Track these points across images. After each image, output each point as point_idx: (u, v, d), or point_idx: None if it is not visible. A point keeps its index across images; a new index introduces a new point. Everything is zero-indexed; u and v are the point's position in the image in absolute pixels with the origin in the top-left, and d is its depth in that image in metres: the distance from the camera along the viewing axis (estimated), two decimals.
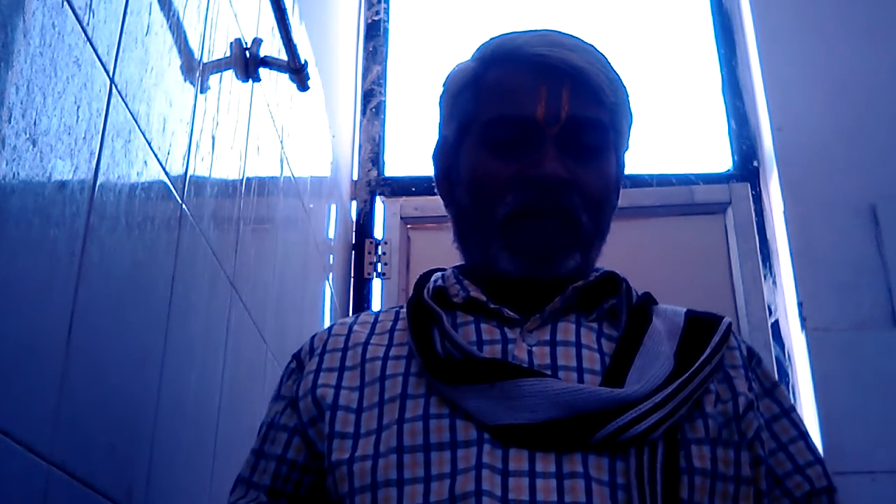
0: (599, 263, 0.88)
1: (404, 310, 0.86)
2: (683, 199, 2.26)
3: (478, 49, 0.89)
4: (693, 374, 0.74)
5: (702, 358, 0.76)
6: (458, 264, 0.90)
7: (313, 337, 0.88)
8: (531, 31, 0.86)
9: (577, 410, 0.71)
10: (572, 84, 0.81)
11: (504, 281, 0.82)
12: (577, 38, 0.86)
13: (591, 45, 0.86)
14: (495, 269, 0.82)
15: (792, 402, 0.84)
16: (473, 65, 0.88)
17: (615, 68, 0.86)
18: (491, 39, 0.88)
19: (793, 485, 0.78)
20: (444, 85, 0.91)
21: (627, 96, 0.87)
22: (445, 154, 0.91)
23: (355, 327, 0.86)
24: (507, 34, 0.87)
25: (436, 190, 0.92)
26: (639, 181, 2.29)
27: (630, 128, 0.89)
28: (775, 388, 0.84)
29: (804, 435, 0.82)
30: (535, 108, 0.81)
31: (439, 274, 0.89)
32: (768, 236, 2.20)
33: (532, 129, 0.81)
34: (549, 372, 0.75)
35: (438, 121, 0.92)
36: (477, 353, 0.76)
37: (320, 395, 0.79)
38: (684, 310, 0.84)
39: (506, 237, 0.81)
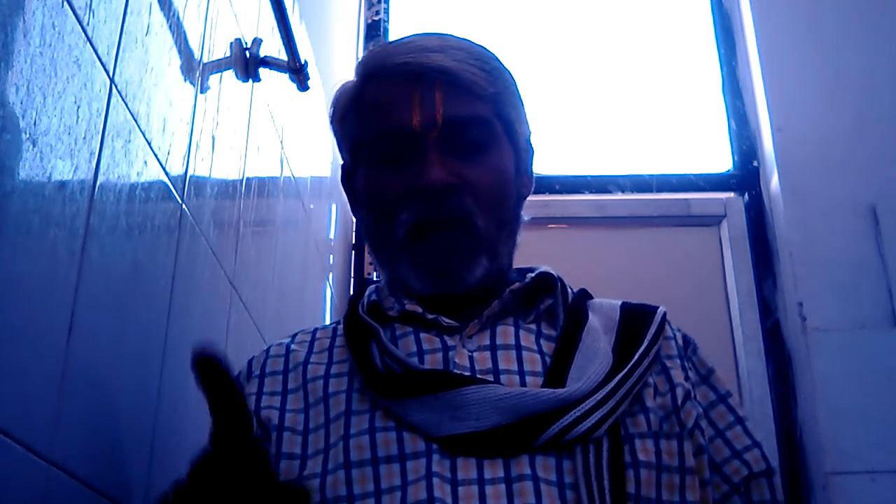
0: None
1: (342, 325, 0.85)
2: (679, 210, 2.29)
3: (356, 66, 0.89)
4: (632, 369, 0.75)
5: (639, 351, 0.77)
6: None
7: (250, 360, 0.86)
8: (400, 39, 0.87)
9: (521, 414, 0.71)
10: (443, 86, 0.81)
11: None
12: (446, 36, 0.85)
13: (463, 39, 0.85)
14: (408, 289, 0.83)
15: (728, 388, 0.84)
16: (352, 85, 0.88)
17: (495, 57, 0.85)
18: (365, 55, 0.88)
19: (731, 470, 0.79)
20: (331, 109, 0.91)
21: (513, 83, 0.87)
22: (347, 179, 0.91)
23: (293, 346, 0.85)
24: (378, 47, 0.88)
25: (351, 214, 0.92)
26: (639, 182, 2.30)
27: (524, 113, 0.89)
28: (710, 375, 0.84)
29: (741, 420, 0.82)
30: (410, 117, 0.81)
31: (373, 287, 0.89)
32: (768, 236, 2.20)
33: (412, 139, 0.81)
34: (491, 377, 0.75)
35: (337, 146, 0.92)
36: (417, 365, 0.76)
37: (265, 416, 0.78)
38: (619, 302, 0.85)
39: (410, 256, 0.81)
